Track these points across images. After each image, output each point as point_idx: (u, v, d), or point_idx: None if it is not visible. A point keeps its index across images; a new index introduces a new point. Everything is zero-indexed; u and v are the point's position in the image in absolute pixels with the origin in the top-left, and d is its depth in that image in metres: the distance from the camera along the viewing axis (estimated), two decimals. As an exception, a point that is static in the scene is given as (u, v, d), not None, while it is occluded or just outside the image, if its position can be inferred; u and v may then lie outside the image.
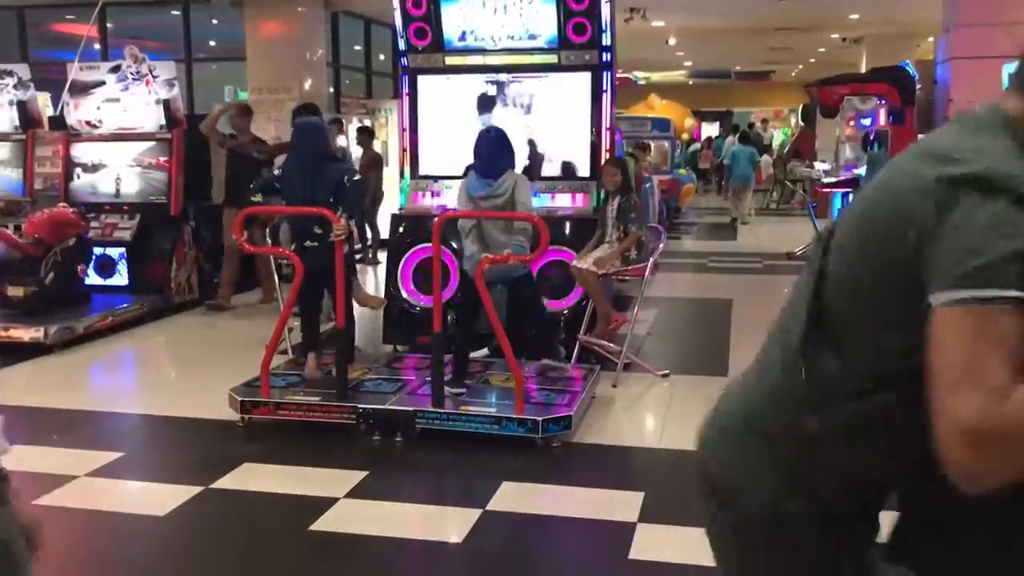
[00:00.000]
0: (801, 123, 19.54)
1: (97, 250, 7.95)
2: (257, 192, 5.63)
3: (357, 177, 5.46)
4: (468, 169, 5.43)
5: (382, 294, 6.65)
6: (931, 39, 13.02)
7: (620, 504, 3.92)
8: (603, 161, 6.25)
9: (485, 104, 6.54)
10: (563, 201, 6.35)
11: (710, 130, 26.87)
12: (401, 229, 6.63)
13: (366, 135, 11.15)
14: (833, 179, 12.82)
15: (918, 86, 11.51)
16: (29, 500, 4.02)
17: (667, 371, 5.92)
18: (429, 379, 4.89)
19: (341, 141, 10.94)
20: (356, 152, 11.14)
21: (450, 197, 6.45)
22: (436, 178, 6.60)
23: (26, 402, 5.53)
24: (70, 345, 6.77)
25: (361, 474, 4.25)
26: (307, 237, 5.23)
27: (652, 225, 7.19)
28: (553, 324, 5.90)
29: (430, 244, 5.03)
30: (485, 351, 5.77)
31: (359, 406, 4.79)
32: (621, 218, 6.03)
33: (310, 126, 5.56)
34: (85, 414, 5.25)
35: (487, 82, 6.53)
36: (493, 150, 5.15)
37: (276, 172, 5.52)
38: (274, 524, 3.82)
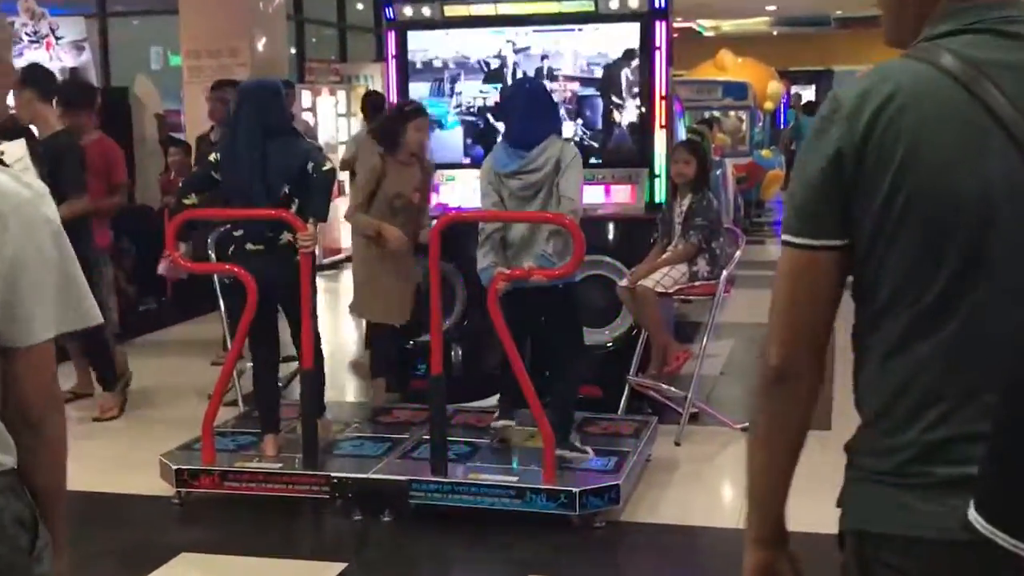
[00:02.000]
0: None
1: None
2: (188, 191, 5.46)
3: (328, 166, 5.32)
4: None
5: (363, 325, 6.67)
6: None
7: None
8: (657, 140, 6.27)
9: (497, 70, 6.59)
10: (603, 196, 6.38)
11: (808, 94, 26.85)
12: (387, 236, 6.66)
13: (373, 102, 10.81)
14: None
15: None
16: None
17: (747, 423, 5.91)
18: (428, 437, 4.91)
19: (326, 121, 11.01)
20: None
21: (451, 193, 6.49)
22: (433, 167, 6.64)
23: None
24: None
25: (337, 567, 4.27)
26: (251, 238, 5.15)
27: (726, 227, 7.21)
28: (573, 383, 5.34)
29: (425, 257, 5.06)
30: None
31: (333, 475, 4.81)
32: (689, 223, 6.05)
33: (257, 88, 5.44)
34: None
35: (500, 37, 6.59)
36: (530, 108, 5.01)
37: (213, 159, 5.35)
38: None
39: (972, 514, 1.42)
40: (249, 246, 5.09)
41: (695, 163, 6.13)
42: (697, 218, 6.05)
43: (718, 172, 10.95)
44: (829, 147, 1.57)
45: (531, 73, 6.54)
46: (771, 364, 1.65)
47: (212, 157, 5.35)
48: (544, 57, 6.55)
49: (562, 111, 6.45)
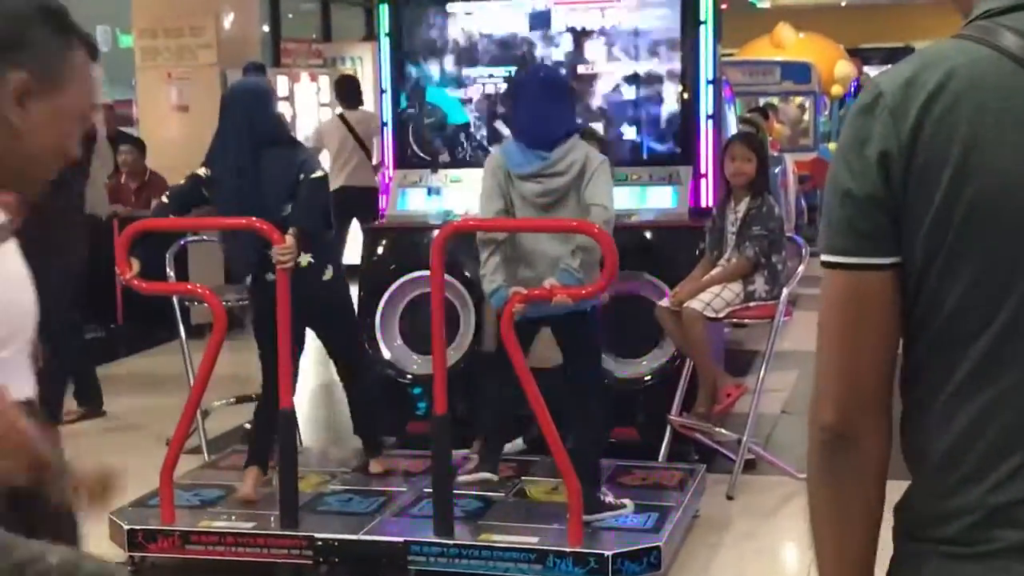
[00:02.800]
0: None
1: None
2: (174, 206, 5.55)
3: (318, 174, 5.39)
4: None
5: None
6: None
7: None
8: (703, 133, 6.29)
9: (514, 52, 6.63)
10: (640, 199, 6.39)
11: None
12: (380, 249, 6.68)
13: (348, 94, 11.08)
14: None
15: None
16: None
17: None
18: (429, 490, 4.92)
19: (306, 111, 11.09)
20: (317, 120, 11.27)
21: (456, 197, 6.50)
22: (435, 167, 6.67)
23: None
24: None
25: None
26: (267, 267, 5.19)
27: (787, 236, 7.20)
28: (596, 428, 5.31)
29: (426, 272, 5.07)
30: (519, 442, 5.78)
31: (317, 536, 4.82)
32: (745, 233, 6.01)
33: (245, 91, 5.59)
34: None
35: (517, 12, 6.62)
36: (546, 100, 5.04)
37: (202, 171, 5.44)
38: None
39: None
40: (269, 276, 5.13)
41: (755, 161, 6.10)
42: (755, 227, 5.99)
43: (776, 170, 10.94)
44: (873, 148, 1.54)
45: (555, 55, 6.58)
46: (824, 425, 1.61)
47: (201, 171, 5.44)
48: (568, 35, 6.58)
49: (592, 100, 6.52)
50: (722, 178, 6.27)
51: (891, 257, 1.55)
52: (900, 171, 1.53)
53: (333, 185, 9.61)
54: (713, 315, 5.91)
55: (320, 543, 4.79)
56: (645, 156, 6.51)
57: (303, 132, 11.76)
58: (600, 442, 5.21)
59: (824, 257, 1.59)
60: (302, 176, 5.23)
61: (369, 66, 12.16)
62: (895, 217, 1.54)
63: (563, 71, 6.28)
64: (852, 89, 21.14)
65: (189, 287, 5.54)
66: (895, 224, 1.54)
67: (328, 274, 5.24)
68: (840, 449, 1.60)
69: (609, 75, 6.57)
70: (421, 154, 6.80)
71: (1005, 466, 1.53)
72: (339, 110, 11.08)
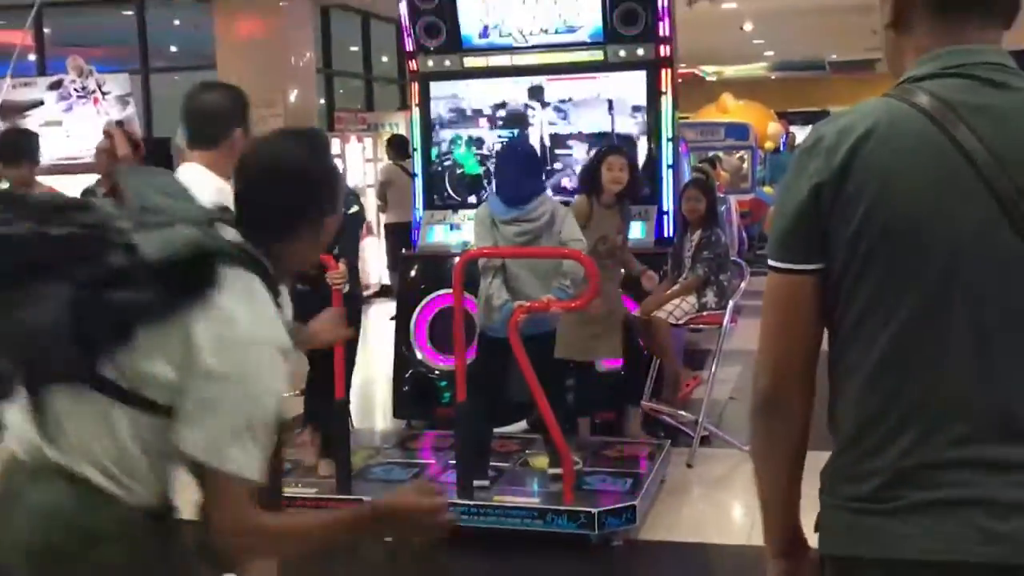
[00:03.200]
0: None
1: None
2: None
3: (355, 209, 5.40)
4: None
5: (392, 353, 6.67)
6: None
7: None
8: (664, 179, 6.29)
9: (515, 116, 6.63)
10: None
11: (803, 135, 26.88)
12: (413, 273, 6.68)
13: (400, 146, 10.95)
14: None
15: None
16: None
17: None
18: (454, 462, 4.89)
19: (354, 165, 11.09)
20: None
21: (471, 231, 6.49)
22: (456, 207, 6.67)
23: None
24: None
25: (370, 586, 4.25)
26: (297, 279, 5.20)
27: (732, 260, 7.19)
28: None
29: (450, 291, 5.07)
30: (523, 424, 5.77)
31: (365, 499, 4.79)
32: (698, 257, 6.08)
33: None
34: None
35: (518, 86, 6.62)
36: (521, 171, 5.10)
37: None
38: None
39: None
40: (299, 287, 5.11)
41: (705, 200, 6.19)
42: (706, 252, 6.09)
43: (722, 208, 10.93)
44: (810, 179, 1.56)
45: (548, 119, 6.58)
46: (762, 391, 1.65)
47: None
48: (557, 103, 6.59)
49: (577, 154, 6.52)
50: (680, 214, 6.30)
51: (817, 264, 1.58)
52: (830, 197, 1.55)
53: (398, 219, 9.67)
54: (675, 322, 5.96)
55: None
56: (618, 199, 6.48)
57: (352, 180, 11.79)
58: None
59: (768, 262, 1.64)
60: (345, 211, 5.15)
61: (403, 130, 12.15)
62: (822, 233, 1.56)
63: (546, 139, 6.37)
64: (781, 144, 21.18)
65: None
66: (822, 238, 1.57)
67: (346, 289, 5.16)
68: (773, 407, 1.64)
69: (591, 133, 6.56)
70: (451, 196, 6.81)
71: (906, 438, 1.53)
72: (386, 161, 11.15)
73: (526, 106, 6.63)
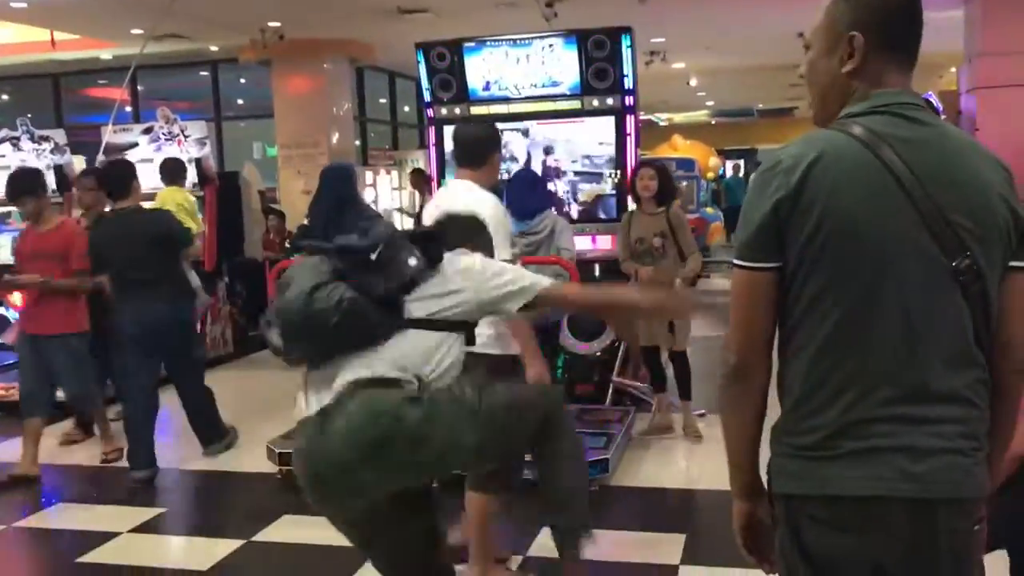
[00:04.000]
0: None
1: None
2: (294, 249, 5.50)
3: None
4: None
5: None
6: (953, 69, 13.01)
7: (662, 547, 3.89)
8: (630, 202, 6.26)
9: (512, 151, 6.62)
10: (591, 244, 6.38)
11: (731, 167, 26.89)
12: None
13: (420, 177, 10.88)
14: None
15: (942, 117, 11.49)
16: (73, 558, 4.06)
17: (703, 410, 5.88)
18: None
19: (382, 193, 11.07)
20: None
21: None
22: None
23: (65, 460, 5.60)
24: (107, 402, 6.84)
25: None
26: None
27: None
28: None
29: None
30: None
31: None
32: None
33: (334, 169, 5.38)
34: (125, 471, 5.30)
35: (512, 130, 6.62)
36: (527, 191, 5.13)
37: (306, 221, 5.39)
38: (317, 574, 3.82)
39: None
40: None
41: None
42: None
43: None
44: (771, 196, 1.56)
45: (536, 153, 6.58)
46: (730, 363, 1.64)
47: (306, 221, 5.36)
48: (544, 142, 6.59)
49: (558, 181, 6.51)
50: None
51: (774, 263, 1.58)
52: (788, 209, 1.55)
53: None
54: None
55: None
56: (595, 217, 6.50)
57: (382, 205, 11.79)
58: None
59: (734, 260, 1.63)
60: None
61: (422, 164, 12.14)
62: (780, 238, 1.56)
63: (539, 170, 6.36)
64: (720, 173, 21.17)
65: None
66: (779, 242, 1.57)
67: None
68: (739, 376, 1.64)
69: (571, 166, 6.56)
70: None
71: (844, 400, 1.54)
72: (410, 189, 11.17)
73: (518, 145, 6.63)
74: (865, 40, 1.59)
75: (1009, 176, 1.59)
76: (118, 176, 5.31)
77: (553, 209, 5.27)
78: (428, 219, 3.44)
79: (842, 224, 1.52)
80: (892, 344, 1.52)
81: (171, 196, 7.14)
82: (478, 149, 3.58)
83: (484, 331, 3.11)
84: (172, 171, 7.44)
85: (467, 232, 2.78)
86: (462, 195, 3.43)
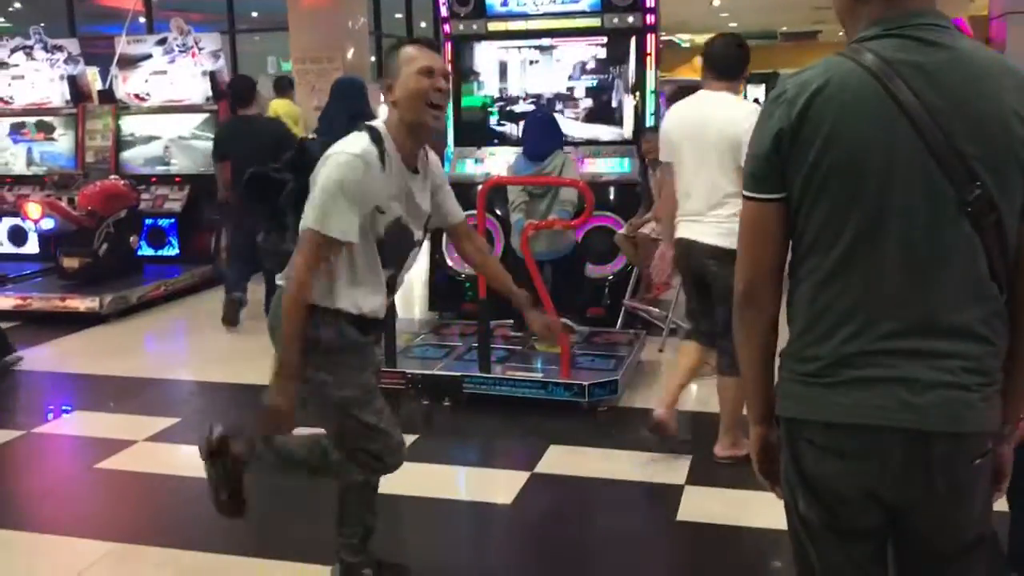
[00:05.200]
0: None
1: (148, 221, 8.10)
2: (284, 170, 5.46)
3: None
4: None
5: (427, 262, 6.67)
6: (985, -6, 12.63)
7: (667, 467, 3.95)
8: (647, 125, 6.20)
9: (528, 71, 6.52)
10: (606, 166, 6.32)
11: (755, 92, 26.41)
12: (445, 197, 6.65)
13: None
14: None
15: (972, 43, 11.19)
16: (90, 464, 4.16)
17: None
18: (475, 345, 4.93)
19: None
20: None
21: (492, 164, 6.45)
22: (479, 146, 6.61)
23: (83, 370, 5.70)
24: (124, 314, 6.93)
25: (411, 437, 4.28)
26: None
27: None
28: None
29: (474, 212, 5.05)
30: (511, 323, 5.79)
31: (408, 371, 4.85)
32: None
33: (345, 83, 5.41)
34: (140, 381, 5.38)
35: (530, 48, 6.50)
36: (540, 132, 5.21)
37: (311, 136, 5.35)
38: (325, 485, 3.89)
39: None
40: None
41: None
42: None
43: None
44: (773, 126, 1.55)
45: (554, 73, 6.47)
46: (739, 290, 1.65)
47: (311, 135, 5.37)
48: (562, 61, 6.47)
49: (576, 104, 6.42)
50: (639, 154, 6.15)
51: (779, 194, 1.58)
52: (789, 140, 1.52)
53: None
54: (656, 237, 5.84)
55: (409, 376, 4.83)
56: (611, 139, 6.42)
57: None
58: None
59: (744, 192, 1.63)
60: None
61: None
62: (783, 170, 1.56)
63: (555, 106, 6.32)
64: (742, 96, 20.83)
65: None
66: (782, 174, 1.56)
67: None
68: (749, 304, 1.65)
69: (591, 88, 6.46)
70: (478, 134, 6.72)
71: (846, 330, 1.54)
72: None
73: (535, 62, 6.52)
74: None
75: None
76: (241, 88, 6.63)
77: (559, 149, 5.30)
78: (679, 128, 3.78)
79: (843, 156, 1.50)
80: (896, 277, 1.50)
81: (281, 106, 9.18)
82: (737, 62, 3.76)
83: None
84: (282, 86, 10.17)
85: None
86: (732, 107, 3.67)
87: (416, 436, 4.33)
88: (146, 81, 8.47)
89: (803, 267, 1.59)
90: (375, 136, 2.49)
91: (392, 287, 2.71)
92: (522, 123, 6.20)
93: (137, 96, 8.52)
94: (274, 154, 5.07)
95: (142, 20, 13.18)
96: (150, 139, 8.48)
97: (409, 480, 3.86)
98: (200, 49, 8.30)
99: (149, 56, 8.45)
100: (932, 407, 1.49)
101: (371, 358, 2.76)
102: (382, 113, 2.86)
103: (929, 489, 1.52)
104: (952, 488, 1.53)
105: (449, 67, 6.60)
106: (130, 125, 8.54)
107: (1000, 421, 1.56)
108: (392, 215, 2.53)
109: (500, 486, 3.86)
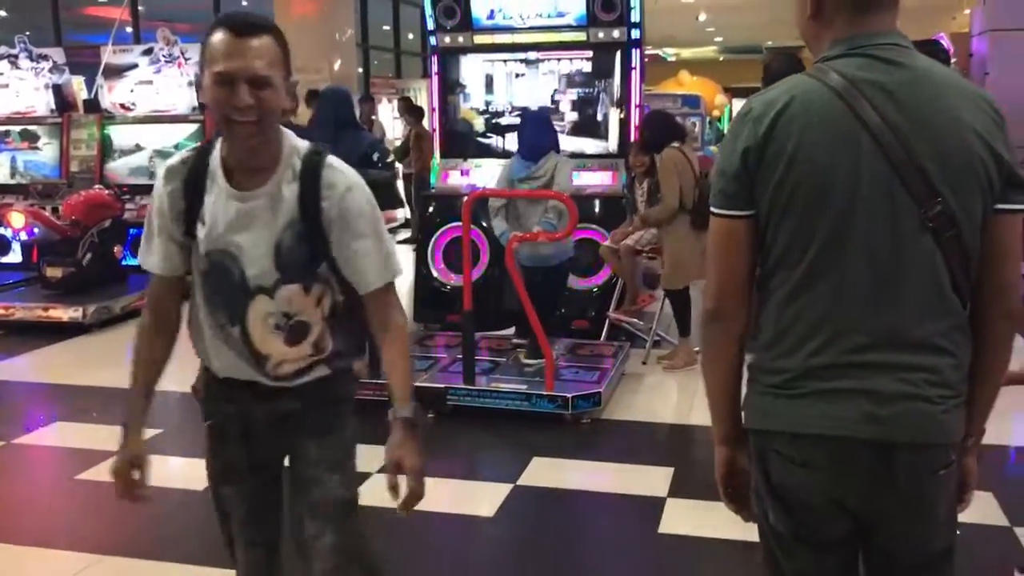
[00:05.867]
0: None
1: (133, 231, 8.07)
2: None
3: (391, 159, 5.35)
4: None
5: (412, 272, 6.67)
6: (967, 11, 12.77)
7: (649, 479, 3.95)
8: (633, 138, 6.22)
9: (514, 83, 6.55)
10: (592, 179, 6.35)
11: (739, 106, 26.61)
12: (431, 208, 6.66)
13: (408, 105, 10.93)
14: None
15: (953, 60, 11.32)
16: (72, 475, 4.13)
17: (696, 348, 5.92)
18: (460, 357, 4.93)
19: (384, 122, 11.02)
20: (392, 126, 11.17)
21: (479, 176, 6.47)
22: (465, 157, 6.62)
23: (65, 380, 5.66)
24: (108, 324, 6.89)
25: (394, 450, 4.30)
26: None
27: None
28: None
29: (460, 223, 5.06)
30: (512, 330, 5.80)
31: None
32: (652, 200, 5.96)
33: (333, 92, 5.39)
34: (124, 392, 5.33)
35: (516, 60, 6.53)
36: (536, 130, 5.16)
37: None
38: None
39: None
40: None
41: (648, 157, 5.95)
42: (657, 195, 5.92)
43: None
44: (741, 144, 1.56)
45: (540, 86, 6.51)
46: (707, 307, 1.65)
47: None
48: (548, 74, 6.51)
49: (562, 117, 6.45)
50: (627, 167, 6.17)
51: (748, 211, 1.58)
52: (756, 158, 1.54)
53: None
54: (640, 248, 5.88)
55: (393, 387, 4.81)
56: (597, 152, 6.44)
57: (385, 132, 11.68)
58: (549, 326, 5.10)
59: (712, 209, 1.63)
60: (376, 155, 5.05)
61: (425, 94, 12.01)
62: (751, 187, 1.56)
63: (548, 107, 6.33)
64: (726, 112, 20.97)
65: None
66: (751, 190, 1.57)
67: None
68: (716, 320, 1.64)
69: (576, 100, 6.49)
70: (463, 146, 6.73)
71: (812, 344, 1.55)
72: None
73: (520, 75, 6.55)
74: None
75: (997, 117, 1.55)
76: None
77: (555, 150, 5.26)
78: None
79: (808, 174, 1.51)
80: (862, 292, 1.52)
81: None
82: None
83: None
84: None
85: None
86: None
87: (399, 448, 4.32)
88: (132, 91, 8.45)
89: (771, 281, 1.60)
90: (203, 148, 1.99)
91: (251, 347, 2.02)
92: (508, 136, 6.23)
93: (122, 106, 8.50)
94: None
95: (128, 30, 13.15)
96: (135, 149, 8.45)
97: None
98: (186, 59, 8.30)
99: (135, 66, 8.43)
100: (896, 418, 1.51)
101: (232, 449, 2.13)
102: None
103: (894, 500, 1.54)
104: (916, 499, 1.54)
105: (436, 79, 6.68)
106: (115, 135, 8.51)
107: (963, 433, 1.58)
108: (206, 244, 1.95)
109: (483, 498, 3.86)
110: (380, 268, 2.01)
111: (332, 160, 2.03)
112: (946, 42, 11.73)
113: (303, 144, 2.01)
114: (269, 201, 1.93)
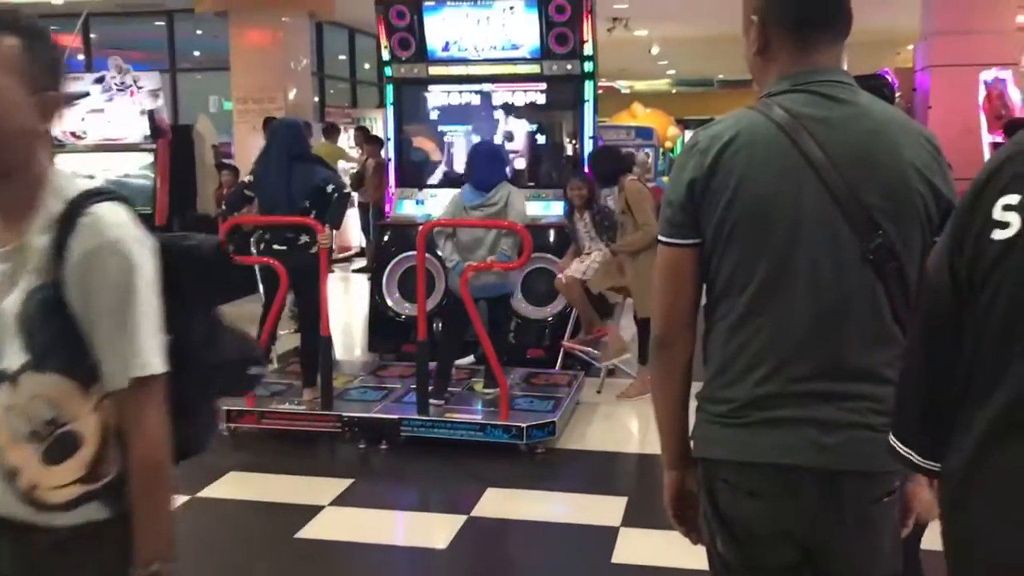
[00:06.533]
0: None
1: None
2: (230, 211, 5.51)
3: (347, 190, 5.35)
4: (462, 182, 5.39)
5: (367, 303, 6.63)
6: (910, 47, 13.14)
7: (603, 509, 3.95)
8: (586, 169, 6.27)
9: (469, 115, 6.58)
10: (544, 209, 6.37)
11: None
12: (386, 238, 6.64)
13: (364, 134, 10.92)
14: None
15: (897, 94, 11.59)
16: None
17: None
18: (414, 387, 4.90)
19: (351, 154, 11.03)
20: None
21: (434, 205, 6.47)
22: (421, 187, 6.63)
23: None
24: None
25: (347, 482, 4.26)
26: (277, 240, 5.13)
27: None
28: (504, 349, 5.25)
29: (415, 252, 5.05)
30: (471, 358, 5.78)
31: (344, 414, 4.79)
32: (601, 231, 5.95)
33: (285, 125, 5.38)
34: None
35: (470, 92, 6.57)
36: (486, 163, 5.13)
37: (247, 179, 5.35)
38: (260, 532, 3.82)
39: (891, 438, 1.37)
40: (275, 246, 5.09)
41: (585, 188, 5.87)
42: (605, 222, 5.92)
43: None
44: (687, 175, 1.58)
45: (494, 117, 6.54)
46: (655, 334, 1.66)
47: (246, 178, 5.34)
48: (502, 106, 6.55)
49: (516, 148, 6.49)
50: (566, 197, 6.05)
51: (694, 240, 1.60)
52: (701, 189, 1.56)
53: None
54: (585, 279, 5.81)
55: (346, 419, 4.77)
56: (551, 182, 6.49)
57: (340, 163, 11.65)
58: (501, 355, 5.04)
59: (659, 238, 1.65)
60: (331, 188, 5.07)
61: (380, 124, 12.02)
62: (696, 217, 1.59)
63: (503, 137, 6.37)
64: (678, 144, 21.23)
65: (266, 260, 5.38)
66: (696, 220, 1.59)
67: (314, 249, 5.03)
68: (664, 348, 1.66)
69: (530, 131, 6.54)
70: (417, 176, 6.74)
71: (758, 373, 1.57)
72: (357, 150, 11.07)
73: (474, 107, 6.59)
74: (766, 21, 1.61)
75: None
76: None
77: (507, 181, 5.27)
78: None
79: (752, 206, 1.54)
80: (805, 322, 1.54)
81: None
82: None
83: None
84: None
85: None
86: None
87: (352, 480, 4.28)
88: (83, 119, 8.33)
89: (717, 310, 1.62)
90: None
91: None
92: (463, 165, 6.25)
93: (73, 134, 8.37)
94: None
95: (80, 57, 13.01)
96: (86, 178, 8.32)
97: (344, 525, 3.82)
98: (139, 88, 8.22)
99: (86, 94, 8.32)
100: (842, 447, 1.53)
101: None
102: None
103: (840, 527, 1.55)
104: (861, 526, 1.56)
105: (391, 109, 6.68)
106: (65, 164, 8.37)
107: None
108: None
109: (437, 530, 3.82)
110: (121, 360, 1.41)
111: (103, 209, 1.44)
112: (891, 77, 12.05)
113: (79, 185, 1.48)
114: (16, 255, 1.43)
